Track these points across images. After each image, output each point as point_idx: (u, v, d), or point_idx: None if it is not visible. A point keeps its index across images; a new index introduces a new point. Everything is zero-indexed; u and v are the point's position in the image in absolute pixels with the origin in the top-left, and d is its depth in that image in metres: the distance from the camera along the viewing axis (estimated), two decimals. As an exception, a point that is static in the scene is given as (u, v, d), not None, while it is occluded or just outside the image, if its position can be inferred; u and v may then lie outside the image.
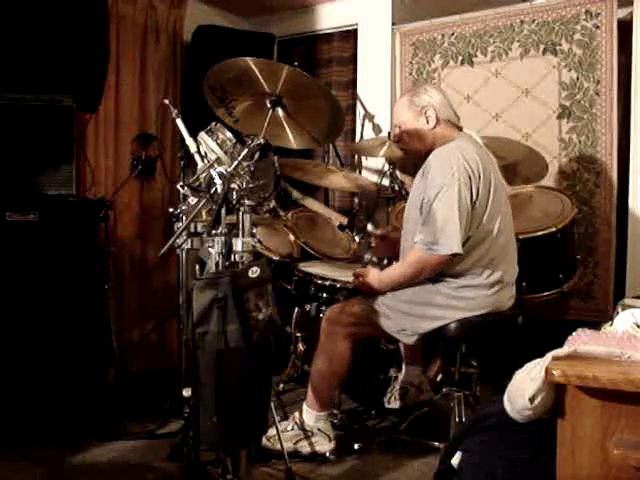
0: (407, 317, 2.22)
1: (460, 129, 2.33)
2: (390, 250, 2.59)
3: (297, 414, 2.40)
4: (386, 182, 3.52)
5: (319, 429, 2.36)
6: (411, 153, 2.38)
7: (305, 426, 2.36)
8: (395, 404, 2.72)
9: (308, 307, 2.74)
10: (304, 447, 2.35)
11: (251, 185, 1.96)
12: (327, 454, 2.35)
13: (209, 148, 1.97)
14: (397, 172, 3.52)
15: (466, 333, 2.21)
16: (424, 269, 2.13)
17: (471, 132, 2.36)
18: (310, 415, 2.37)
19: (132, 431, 2.59)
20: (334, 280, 2.65)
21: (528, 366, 1.28)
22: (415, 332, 2.22)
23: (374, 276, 2.31)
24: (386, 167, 3.51)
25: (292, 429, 2.37)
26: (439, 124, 2.28)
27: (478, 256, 2.16)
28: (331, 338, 2.35)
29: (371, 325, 2.30)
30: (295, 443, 2.34)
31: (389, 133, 3.45)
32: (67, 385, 2.54)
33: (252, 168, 1.98)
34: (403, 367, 2.77)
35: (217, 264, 1.89)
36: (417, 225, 2.16)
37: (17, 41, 2.75)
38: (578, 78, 3.24)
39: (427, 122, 2.28)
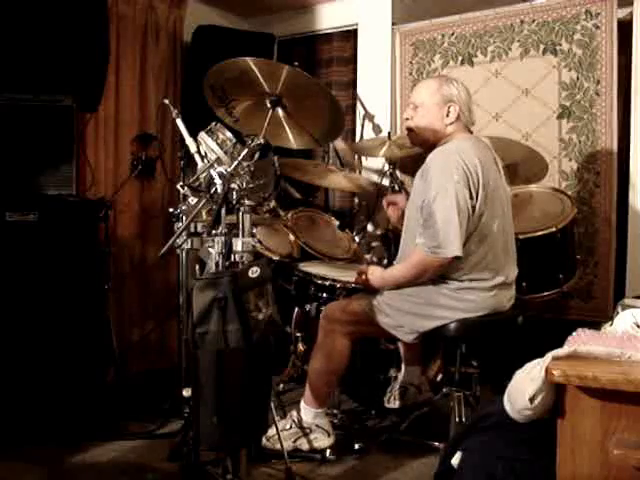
0: (406, 315, 2.23)
1: (471, 132, 2.33)
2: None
3: (295, 412, 2.41)
4: (386, 182, 3.51)
5: (317, 425, 2.37)
6: (416, 138, 2.33)
7: (303, 423, 2.36)
8: (395, 404, 2.72)
9: (308, 307, 2.74)
10: (303, 444, 2.35)
11: (251, 185, 1.96)
12: (327, 450, 2.35)
13: (209, 148, 1.98)
14: (397, 172, 3.52)
15: (466, 333, 2.22)
16: (427, 271, 2.14)
17: (482, 137, 2.35)
18: (308, 412, 2.37)
19: (132, 431, 2.59)
20: (334, 280, 2.65)
21: (528, 366, 1.28)
22: (413, 330, 2.23)
23: (377, 274, 2.32)
24: (386, 167, 3.51)
25: (290, 427, 2.37)
26: (455, 122, 2.26)
27: (478, 257, 2.16)
28: (330, 336, 2.36)
29: (370, 323, 2.30)
30: (294, 441, 2.35)
31: (389, 133, 3.44)
32: (67, 385, 2.54)
33: (252, 168, 1.99)
34: (402, 367, 2.77)
35: (217, 264, 1.90)
36: (417, 226, 2.17)
37: (17, 41, 2.75)
38: (578, 78, 3.24)
39: (447, 115, 2.26)
